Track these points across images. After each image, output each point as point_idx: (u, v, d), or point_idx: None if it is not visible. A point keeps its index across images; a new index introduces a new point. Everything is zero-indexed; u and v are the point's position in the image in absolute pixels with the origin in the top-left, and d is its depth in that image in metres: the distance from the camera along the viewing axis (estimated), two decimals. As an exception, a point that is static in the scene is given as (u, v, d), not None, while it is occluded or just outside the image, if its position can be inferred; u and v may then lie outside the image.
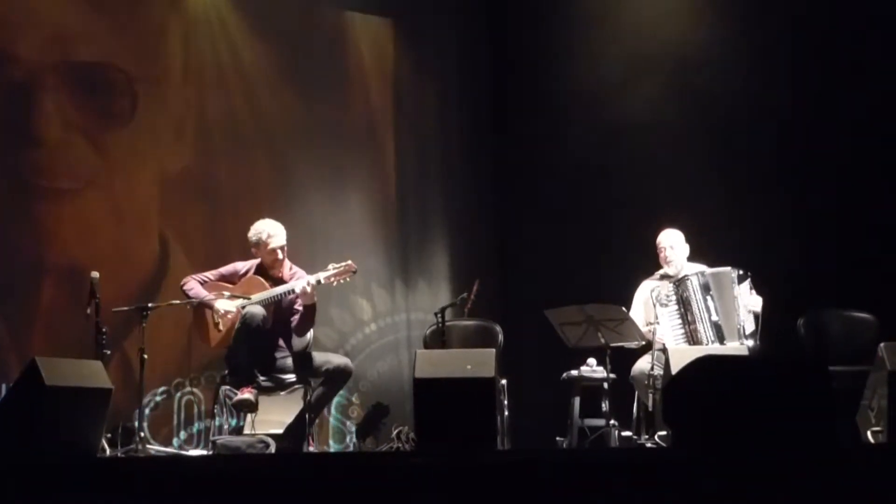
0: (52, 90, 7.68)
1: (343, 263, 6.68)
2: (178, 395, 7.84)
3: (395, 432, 7.83)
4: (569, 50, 8.41)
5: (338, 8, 8.46)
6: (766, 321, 6.54)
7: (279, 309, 6.66)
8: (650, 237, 7.10)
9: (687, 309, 6.54)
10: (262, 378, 6.59)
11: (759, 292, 6.59)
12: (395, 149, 8.44)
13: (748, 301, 6.53)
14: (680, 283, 6.59)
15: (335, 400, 7.54)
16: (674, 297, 6.58)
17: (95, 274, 6.47)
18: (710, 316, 6.51)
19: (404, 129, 8.46)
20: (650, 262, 6.98)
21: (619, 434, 6.64)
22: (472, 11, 8.59)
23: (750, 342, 6.44)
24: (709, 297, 6.53)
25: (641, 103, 8.07)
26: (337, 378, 6.67)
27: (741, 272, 6.52)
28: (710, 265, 6.73)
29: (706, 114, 7.91)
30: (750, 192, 7.73)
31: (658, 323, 6.52)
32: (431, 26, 8.56)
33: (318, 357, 6.76)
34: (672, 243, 6.80)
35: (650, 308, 6.62)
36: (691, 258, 6.84)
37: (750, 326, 6.50)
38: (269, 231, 6.67)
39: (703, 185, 7.76)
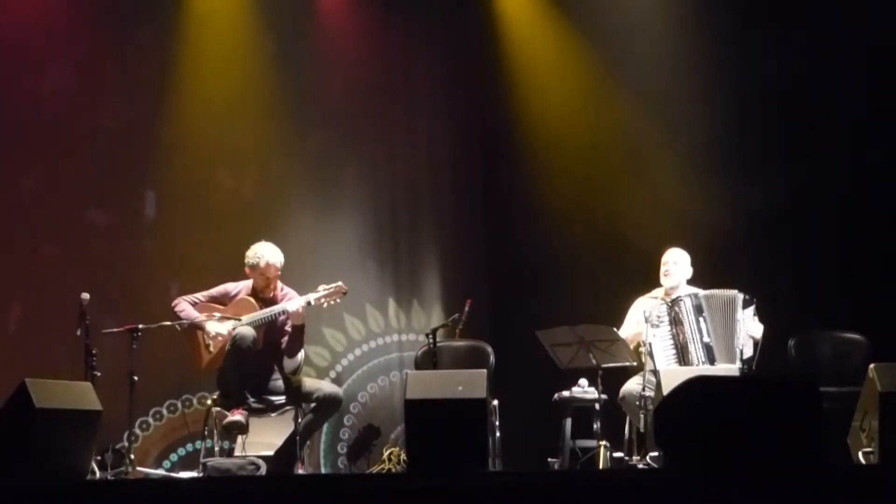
0: (45, 107, 7.71)
1: (333, 285, 6.69)
2: (169, 416, 7.81)
3: (386, 454, 7.81)
4: (559, 72, 8.44)
5: (329, 30, 8.48)
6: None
7: (270, 330, 6.66)
8: (642, 258, 7.12)
9: (679, 329, 6.57)
10: (252, 400, 6.58)
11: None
12: (386, 170, 8.44)
13: (749, 326, 6.58)
14: (673, 303, 6.63)
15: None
16: (666, 318, 6.60)
17: (86, 295, 6.46)
18: (701, 337, 6.55)
19: (396, 150, 8.46)
20: (642, 283, 7.00)
21: (611, 455, 6.63)
22: (465, 38, 8.60)
23: (740, 364, 6.46)
24: (701, 319, 6.57)
25: (637, 127, 8.09)
26: (327, 406, 6.67)
27: (747, 297, 6.57)
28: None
29: (698, 134, 7.93)
30: (742, 214, 7.73)
31: (649, 344, 6.52)
32: (424, 46, 8.57)
33: (310, 384, 6.76)
34: (676, 259, 6.85)
35: (643, 325, 6.62)
36: (692, 283, 6.86)
37: (748, 352, 6.55)
38: (269, 258, 6.67)
39: (695, 210, 7.76)
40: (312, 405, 6.64)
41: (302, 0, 8.36)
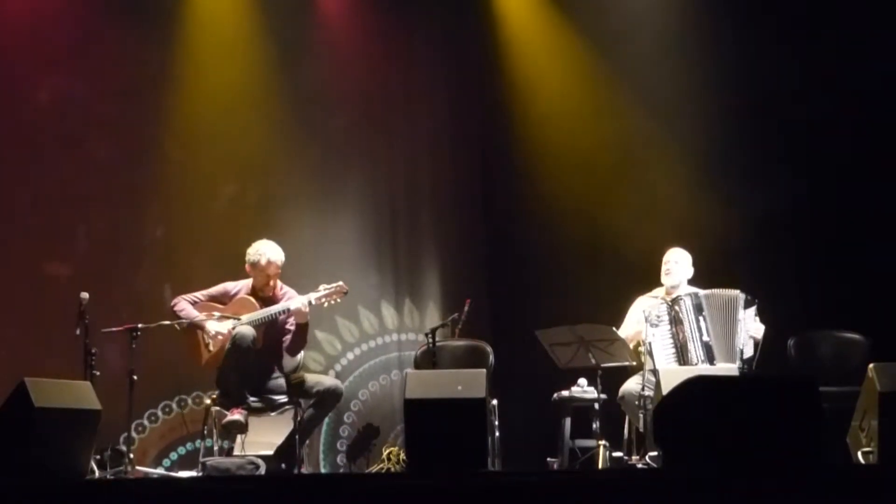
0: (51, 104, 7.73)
1: (334, 284, 6.69)
2: (168, 416, 7.81)
3: (385, 453, 7.81)
4: (560, 73, 8.44)
5: (329, 32, 8.48)
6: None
7: (270, 329, 6.66)
8: (641, 258, 7.12)
9: (679, 328, 6.58)
10: (252, 399, 6.58)
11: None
12: (386, 169, 8.44)
13: (751, 326, 6.60)
14: (674, 302, 6.64)
15: (325, 421, 7.52)
16: (665, 318, 6.62)
17: (85, 295, 6.45)
18: (701, 336, 6.57)
19: (396, 150, 8.46)
20: (641, 283, 7.00)
21: (610, 455, 6.64)
22: (465, 38, 8.60)
23: (739, 364, 6.47)
24: (701, 318, 6.59)
25: (638, 128, 8.09)
26: (327, 399, 6.67)
27: (749, 297, 6.59)
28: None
29: (697, 136, 7.93)
30: (743, 215, 7.73)
31: (648, 343, 6.53)
32: (424, 47, 8.58)
33: (309, 378, 6.76)
34: (677, 259, 6.88)
35: (643, 324, 6.63)
36: (693, 284, 6.86)
37: (748, 352, 6.58)
38: (271, 255, 6.67)
39: (696, 210, 7.76)
40: (313, 399, 6.65)
41: (302, 2, 8.37)
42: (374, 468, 7.75)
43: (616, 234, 7.92)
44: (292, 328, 6.70)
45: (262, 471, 6.43)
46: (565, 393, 7.08)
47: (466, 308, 7.12)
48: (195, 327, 6.66)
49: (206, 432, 6.79)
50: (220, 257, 7.54)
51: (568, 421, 7.13)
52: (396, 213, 8.40)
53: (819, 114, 7.68)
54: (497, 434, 6.87)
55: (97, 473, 6.35)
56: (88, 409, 5.56)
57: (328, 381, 6.81)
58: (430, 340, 6.74)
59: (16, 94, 7.75)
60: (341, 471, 7.97)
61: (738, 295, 6.60)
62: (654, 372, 6.40)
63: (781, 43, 7.82)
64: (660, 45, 8.07)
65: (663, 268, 6.87)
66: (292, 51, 8.26)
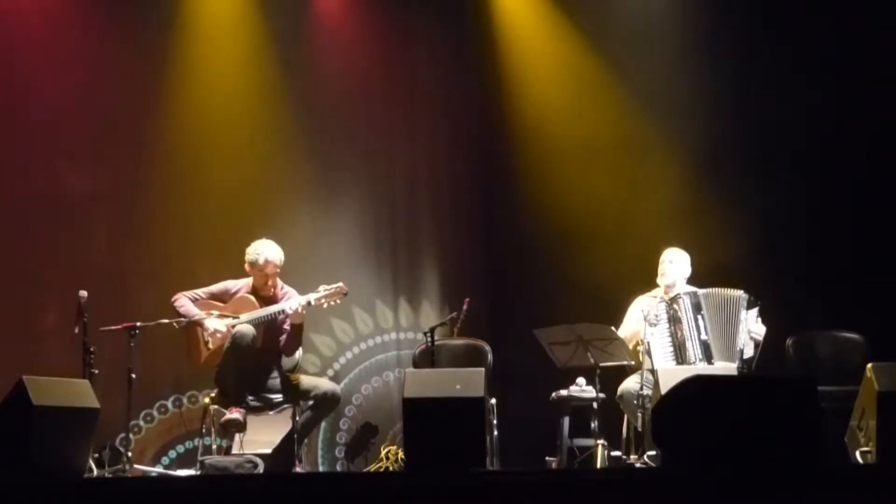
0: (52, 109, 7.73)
1: (334, 285, 6.68)
2: (167, 414, 7.81)
3: (384, 452, 7.82)
4: (559, 71, 8.44)
5: (328, 30, 8.48)
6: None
7: (270, 329, 6.66)
8: (640, 257, 7.11)
9: (677, 327, 6.59)
10: (250, 398, 6.58)
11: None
12: (385, 169, 8.44)
13: (753, 327, 6.61)
14: (672, 301, 6.65)
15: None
16: (664, 316, 6.62)
17: (83, 293, 6.45)
18: (699, 334, 6.58)
19: (395, 150, 8.46)
20: (640, 282, 7.00)
21: (609, 454, 6.64)
22: (465, 38, 8.61)
23: (738, 363, 6.48)
24: (699, 317, 6.60)
25: (638, 127, 8.09)
26: (325, 404, 6.67)
27: (751, 298, 6.60)
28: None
29: (696, 135, 7.94)
30: (742, 215, 7.74)
31: (647, 342, 6.53)
32: (423, 47, 8.58)
33: (307, 381, 6.75)
34: (672, 258, 6.87)
35: (642, 323, 6.63)
36: (692, 284, 6.86)
37: (749, 352, 6.59)
38: (269, 255, 6.67)
39: (696, 210, 7.76)
40: (310, 403, 6.65)
41: (301, 2, 8.37)
42: (373, 467, 7.75)
43: (615, 234, 7.92)
44: (289, 328, 6.70)
45: (261, 469, 6.42)
46: (564, 392, 7.08)
47: (465, 307, 7.13)
48: (194, 325, 6.66)
49: (204, 431, 6.79)
50: (220, 257, 7.53)
51: (566, 420, 7.13)
52: (396, 212, 8.40)
53: (819, 113, 7.69)
54: (496, 433, 6.87)
55: (95, 472, 6.35)
56: (87, 407, 5.56)
57: (325, 384, 6.80)
58: (429, 339, 6.74)
59: (12, 98, 7.74)
60: (339, 469, 7.97)
61: (740, 295, 6.61)
62: (653, 371, 6.40)
63: (782, 41, 7.83)
64: (659, 43, 8.08)
65: (659, 267, 6.87)
66: (291, 51, 8.26)
